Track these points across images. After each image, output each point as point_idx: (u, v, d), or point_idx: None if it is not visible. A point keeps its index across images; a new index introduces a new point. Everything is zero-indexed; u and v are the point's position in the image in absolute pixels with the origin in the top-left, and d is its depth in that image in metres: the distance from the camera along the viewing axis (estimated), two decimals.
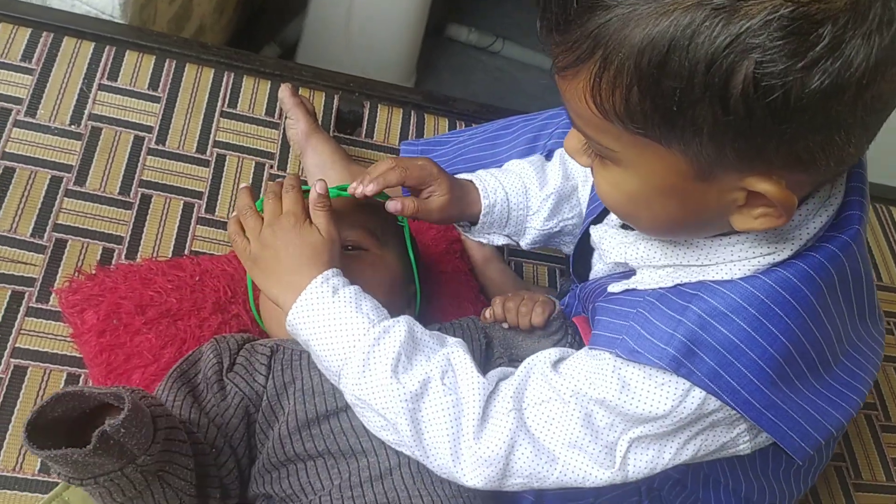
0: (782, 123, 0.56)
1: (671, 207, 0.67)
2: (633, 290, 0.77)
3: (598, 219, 0.89)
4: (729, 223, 0.67)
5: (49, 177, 1.15)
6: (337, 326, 0.79)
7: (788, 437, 0.71)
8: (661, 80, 0.56)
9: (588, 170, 0.99)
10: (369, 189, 0.89)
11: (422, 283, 1.02)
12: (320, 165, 1.22)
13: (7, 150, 1.15)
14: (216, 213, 1.21)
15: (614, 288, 0.79)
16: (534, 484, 0.77)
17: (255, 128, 1.31)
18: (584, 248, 0.95)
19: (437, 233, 1.21)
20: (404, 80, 2.23)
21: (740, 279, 0.70)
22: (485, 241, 1.02)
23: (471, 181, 0.98)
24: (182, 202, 1.20)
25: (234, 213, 0.89)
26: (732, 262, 0.71)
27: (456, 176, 0.98)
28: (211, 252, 1.17)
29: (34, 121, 1.18)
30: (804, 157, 0.59)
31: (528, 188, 0.99)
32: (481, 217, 0.97)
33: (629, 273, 0.80)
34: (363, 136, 1.38)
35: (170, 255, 1.14)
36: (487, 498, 0.86)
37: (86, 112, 1.22)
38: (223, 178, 1.24)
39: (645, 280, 0.76)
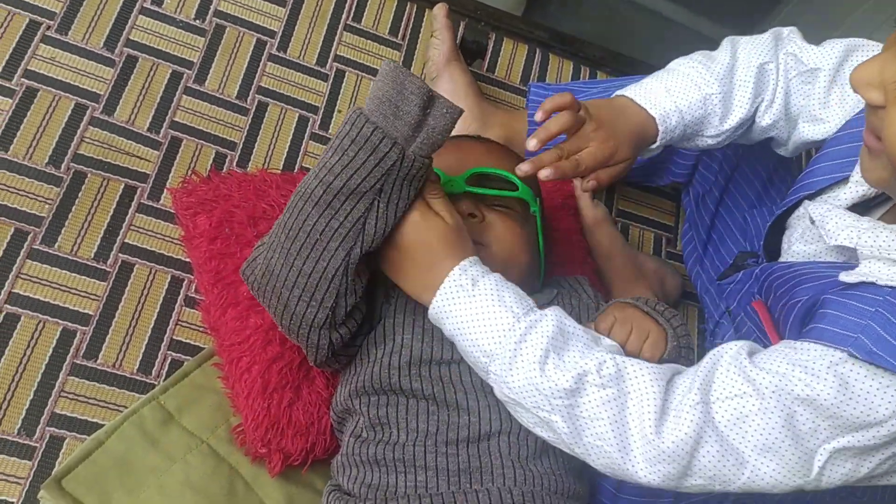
0: None
1: None
2: (872, 284, 0.69)
3: (813, 196, 0.82)
4: None
5: (170, 71, 1.12)
6: (480, 322, 0.74)
7: None
8: None
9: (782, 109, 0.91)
10: (544, 175, 0.81)
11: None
12: (452, 94, 1.17)
13: (131, 37, 1.12)
14: (329, 130, 1.17)
15: (847, 278, 0.71)
16: (716, 486, 0.71)
17: (377, 46, 1.26)
18: (781, 224, 0.88)
19: (553, 186, 1.17)
20: (513, 9, 2.14)
21: None
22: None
23: (648, 114, 0.88)
24: (297, 115, 1.16)
25: None
26: None
27: (627, 96, 0.90)
28: None
29: (160, 10, 1.15)
30: None
31: (707, 118, 0.90)
32: (649, 151, 0.91)
33: (844, 265, 0.72)
34: (484, 69, 1.32)
35: (281, 167, 1.12)
36: (577, 478, 0.83)
37: (211, 7, 1.18)
38: (340, 95, 1.20)
39: (880, 273, 0.68)
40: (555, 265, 1.09)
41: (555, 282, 0.99)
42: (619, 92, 0.92)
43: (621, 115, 0.88)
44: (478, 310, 0.74)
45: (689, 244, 1.20)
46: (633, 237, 1.29)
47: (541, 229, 0.93)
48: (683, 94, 0.89)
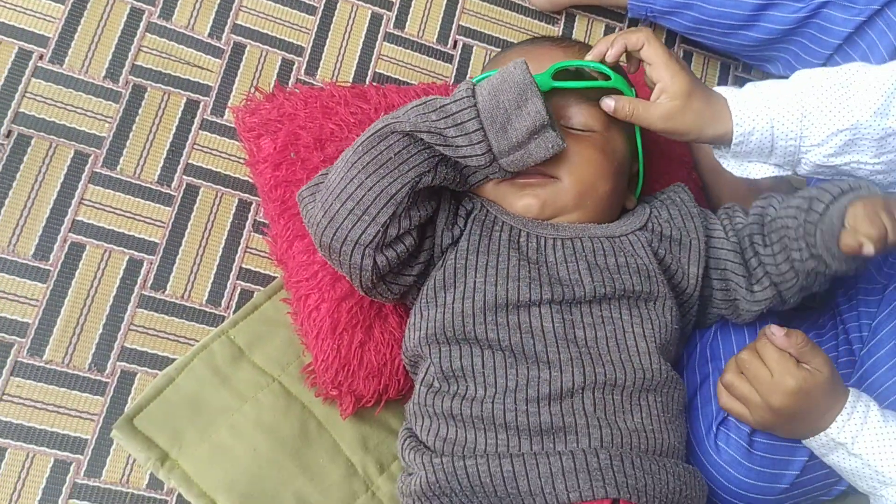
0: None
1: None
2: None
3: None
4: None
5: None
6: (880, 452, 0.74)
7: None
8: None
9: None
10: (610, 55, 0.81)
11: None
12: None
13: None
14: (405, 30, 1.06)
15: None
16: None
17: None
18: None
19: None
20: None
21: None
22: (742, 173, 0.84)
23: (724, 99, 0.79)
24: (370, 11, 1.06)
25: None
26: None
27: (715, 89, 0.81)
28: (396, 77, 1.04)
29: None
30: None
31: (805, 114, 0.78)
32: (733, 146, 0.80)
33: None
34: None
35: (352, 74, 1.03)
36: (672, 431, 0.77)
37: None
38: None
39: None
40: (654, 183, 0.99)
41: (644, 201, 0.89)
42: None
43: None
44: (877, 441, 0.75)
45: None
46: None
47: (639, 132, 0.86)
48: (778, 94, 0.79)
